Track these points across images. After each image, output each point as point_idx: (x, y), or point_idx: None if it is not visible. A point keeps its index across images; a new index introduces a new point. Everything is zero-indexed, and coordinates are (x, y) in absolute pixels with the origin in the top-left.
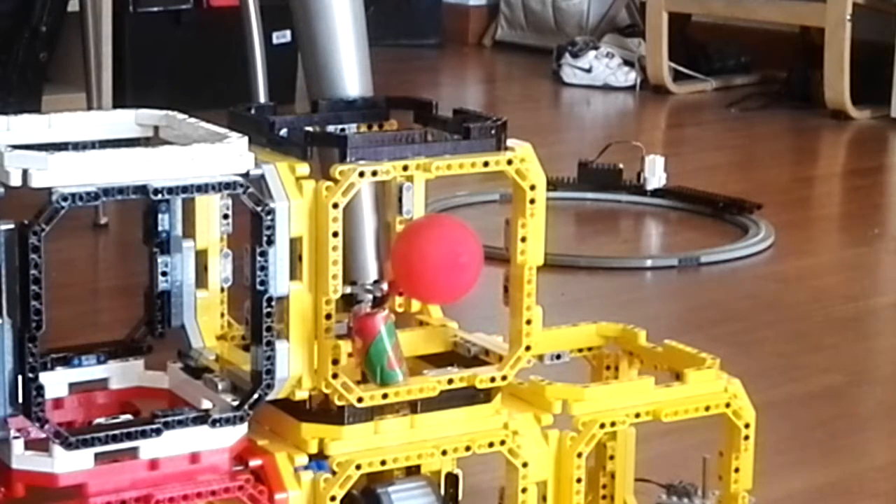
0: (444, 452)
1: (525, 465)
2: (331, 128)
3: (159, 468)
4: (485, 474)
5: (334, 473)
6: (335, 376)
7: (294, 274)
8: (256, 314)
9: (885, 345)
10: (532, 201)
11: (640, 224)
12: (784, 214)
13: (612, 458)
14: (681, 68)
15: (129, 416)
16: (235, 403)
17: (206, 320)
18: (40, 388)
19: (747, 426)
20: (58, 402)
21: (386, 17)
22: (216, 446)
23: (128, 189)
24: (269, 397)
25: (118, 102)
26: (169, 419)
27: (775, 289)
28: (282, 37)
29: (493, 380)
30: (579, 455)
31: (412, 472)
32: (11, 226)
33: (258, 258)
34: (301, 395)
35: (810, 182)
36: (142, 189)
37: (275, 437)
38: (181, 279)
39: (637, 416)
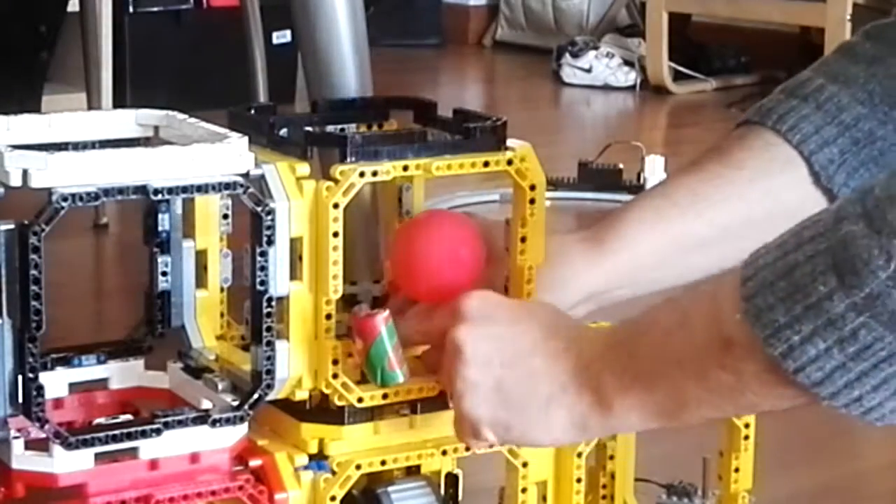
0: (444, 452)
1: (525, 465)
2: (331, 128)
3: (159, 468)
4: (485, 474)
5: (334, 473)
6: (335, 376)
7: (294, 274)
8: (256, 314)
9: None
10: (532, 201)
11: None
12: None
13: (612, 458)
14: (681, 68)
15: (129, 416)
16: (235, 403)
17: (206, 320)
18: (40, 388)
19: (747, 426)
20: (58, 402)
21: (386, 17)
22: (216, 446)
23: (128, 189)
24: (269, 397)
25: (118, 102)
26: (169, 419)
27: None
28: (282, 37)
29: None
30: (579, 455)
31: (412, 472)
32: (11, 226)
33: (258, 258)
34: (301, 395)
35: None
36: (142, 189)
37: (275, 437)
38: (181, 279)
39: None
